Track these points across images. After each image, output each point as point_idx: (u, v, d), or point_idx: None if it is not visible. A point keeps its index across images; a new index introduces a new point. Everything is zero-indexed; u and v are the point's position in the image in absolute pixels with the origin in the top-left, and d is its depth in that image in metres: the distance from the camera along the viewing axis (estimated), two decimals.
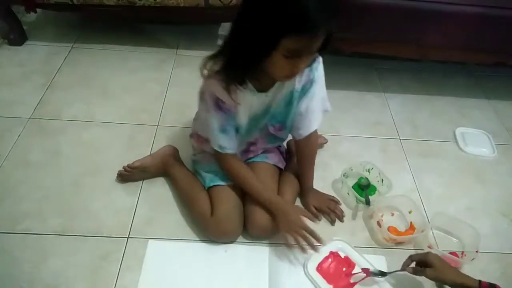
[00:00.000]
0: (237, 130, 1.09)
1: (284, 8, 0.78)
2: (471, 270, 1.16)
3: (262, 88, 1.02)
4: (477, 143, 1.58)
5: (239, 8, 0.87)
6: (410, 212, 1.27)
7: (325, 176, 1.39)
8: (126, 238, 1.15)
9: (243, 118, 1.07)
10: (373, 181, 1.35)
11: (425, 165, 1.46)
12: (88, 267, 1.08)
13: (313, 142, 1.22)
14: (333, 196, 1.29)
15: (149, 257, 1.10)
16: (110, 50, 1.83)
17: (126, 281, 1.06)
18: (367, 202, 1.26)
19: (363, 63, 1.89)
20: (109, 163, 1.34)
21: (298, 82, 1.05)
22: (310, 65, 1.00)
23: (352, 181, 1.35)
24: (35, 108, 1.51)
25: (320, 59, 1.05)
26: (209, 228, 1.13)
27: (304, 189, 1.27)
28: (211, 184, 1.17)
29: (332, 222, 1.24)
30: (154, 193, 1.27)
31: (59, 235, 1.14)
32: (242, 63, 0.91)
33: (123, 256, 1.11)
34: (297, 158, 1.26)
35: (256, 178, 1.14)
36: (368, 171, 1.36)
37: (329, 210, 1.24)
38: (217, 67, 0.95)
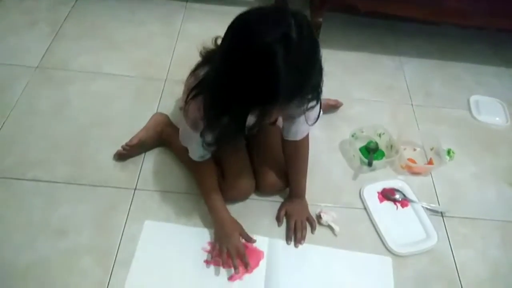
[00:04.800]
0: None
1: (254, 84, 0.71)
2: (472, 235, 1.18)
3: None
4: (490, 111, 1.54)
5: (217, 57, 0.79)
6: (431, 149, 1.32)
7: (334, 137, 1.38)
8: (133, 190, 1.16)
9: None
10: (382, 147, 1.34)
11: (435, 133, 1.44)
12: (96, 215, 1.10)
13: (303, 148, 1.12)
14: (313, 219, 1.15)
15: (145, 238, 1.07)
16: (117, 1, 1.77)
17: (133, 230, 1.08)
18: (370, 164, 1.26)
19: (379, 24, 1.82)
20: (117, 115, 1.34)
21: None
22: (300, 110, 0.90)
23: (360, 144, 1.34)
24: (42, 57, 1.49)
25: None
26: (223, 191, 1.12)
27: (291, 195, 1.18)
28: None
29: (287, 239, 1.11)
30: (159, 148, 1.27)
31: (68, 183, 1.16)
32: (216, 110, 0.81)
33: (130, 207, 1.13)
34: (286, 160, 1.15)
35: (215, 184, 1.10)
36: (380, 135, 1.35)
37: (296, 227, 1.12)
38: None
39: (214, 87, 0.79)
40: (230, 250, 1.02)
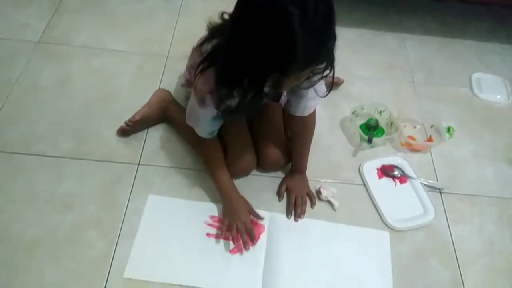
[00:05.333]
0: None
1: (271, 48, 0.69)
2: (469, 211, 1.20)
3: None
4: (492, 89, 1.54)
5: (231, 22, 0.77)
6: (431, 127, 1.34)
7: (335, 115, 1.38)
8: (136, 165, 1.18)
9: None
10: (383, 124, 1.35)
11: (436, 110, 1.44)
12: (101, 190, 1.12)
13: (310, 124, 1.12)
14: (313, 194, 1.17)
15: (148, 211, 1.09)
16: None
17: (137, 204, 1.10)
18: (369, 141, 1.27)
19: (383, 0, 1.80)
20: (119, 91, 1.34)
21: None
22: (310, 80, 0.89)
23: (361, 121, 1.35)
24: (43, 32, 1.49)
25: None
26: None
27: (292, 170, 1.19)
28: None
29: (287, 214, 1.14)
30: (163, 123, 1.29)
31: (72, 158, 1.17)
32: (230, 81, 0.81)
33: (134, 181, 1.15)
34: (291, 136, 1.17)
35: (223, 162, 1.11)
36: (380, 113, 1.36)
37: (297, 202, 1.14)
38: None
39: (227, 58, 0.77)
40: (239, 226, 1.05)
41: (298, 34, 0.66)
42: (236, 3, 0.74)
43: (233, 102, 0.85)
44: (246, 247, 1.04)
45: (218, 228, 1.08)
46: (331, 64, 0.81)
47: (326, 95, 0.96)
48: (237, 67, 0.75)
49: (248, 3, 0.71)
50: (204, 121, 1.01)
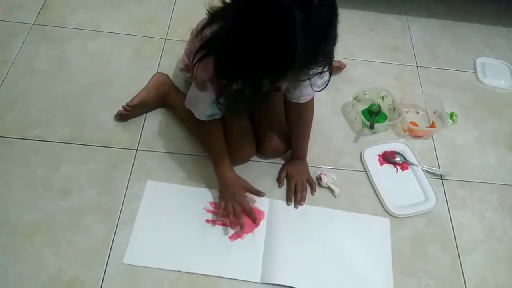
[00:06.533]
0: None
1: (269, 50, 0.67)
2: (470, 198, 1.20)
3: None
4: (496, 74, 1.51)
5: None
6: (434, 113, 1.32)
7: (336, 100, 1.36)
8: (135, 150, 1.17)
9: None
10: (385, 109, 1.33)
11: (439, 95, 1.42)
12: (99, 175, 1.11)
13: (308, 110, 1.10)
14: (314, 181, 1.16)
15: (147, 197, 1.09)
16: None
17: (135, 189, 1.10)
18: (371, 127, 1.25)
19: None
20: (116, 75, 1.32)
21: None
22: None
23: (363, 106, 1.33)
24: (38, 14, 1.45)
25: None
26: None
27: (292, 157, 1.18)
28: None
29: (287, 200, 1.13)
30: (161, 108, 1.27)
31: (69, 143, 1.16)
32: (228, 74, 0.79)
33: (132, 167, 1.13)
34: (289, 122, 1.15)
35: (223, 145, 1.09)
36: (382, 98, 1.34)
37: (297, 189, 1.13)
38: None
39: (224, 51, 0.75)
40: (235, 208, 1.04)
41: (298, 40, 0.64)
42: None
43: (233, 93, 0.83)
44: (242, 229, 1.03)
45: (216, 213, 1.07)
46: (329, 63, 0.79)
47: (322, 89, 0.94)
48: (235, 62, 0.73)
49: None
50: (203, 103, 0.99)
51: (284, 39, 0.65)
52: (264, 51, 0.67)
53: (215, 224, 1.06)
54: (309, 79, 0.86)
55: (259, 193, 1.08)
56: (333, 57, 0.79)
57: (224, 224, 1.06)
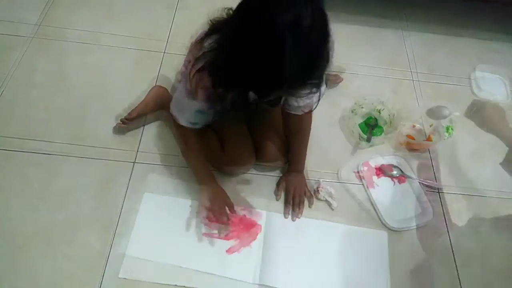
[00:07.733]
0: None
1: (257, 68, 0.69)
2: (467, 211, 1.20)
3: None
4: (491, 88, 1.53)
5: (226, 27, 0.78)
6: (431, 126, 1.32)
7: (333, 112, 1.37)
8: (132, 163, 1.17)
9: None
10: (382, 122, 1.34)
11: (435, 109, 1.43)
12: (96, 188, 1.11)
13: (306, 123, 1.10)
14: (311, 193, 1.17)
15: (144, 210, 1.08)
16: None
17: (132, 202, 1.09)
18: (368, 140, 1.26)
19: None
20: (115, 88, 1.32)
21: None
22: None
23: (360, 120, 1.34)
24: (38, 27, 1.46)
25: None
26: (223, 163, 1.14)
27: (290, 169, 1.18)
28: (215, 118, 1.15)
29: (285, 213, 1.13)
30: (158, 121, 1.27)
31: (67, 155, 1.16)
32: (221, 86, 0.81)
33: (129, 180, 1.13)
34: (287, 134, 1.16)
35: (200, 154, 1.10)
36: (379, 111, 1.34)
37: (294, 202, 1.13)
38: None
39: (216, 63, 0.78)
40: (218, 207, 1.04)
41: (286, 60, 0.65)
42: (237, 10, 0.73)
43: (228, 102, 0.85)
44: (227, 226, 1.05)
45: (210, 225, 1.07)
46: (317, 85, 0.78)
47: (311, 111, 0.97)
48: (226, 73, 0.74)
49: (245, 12, 0.71)
50: (188, 111, 0.99)
51: (273, 59, 0.66)
52: (252, 67, 0.69)
53: (212, 237, 1.06)
54: (301, 97, 0.88)
55: (233, 210, 1.07)
56: (323, 80, 0.80)
57: (214, 236, 1.06)
